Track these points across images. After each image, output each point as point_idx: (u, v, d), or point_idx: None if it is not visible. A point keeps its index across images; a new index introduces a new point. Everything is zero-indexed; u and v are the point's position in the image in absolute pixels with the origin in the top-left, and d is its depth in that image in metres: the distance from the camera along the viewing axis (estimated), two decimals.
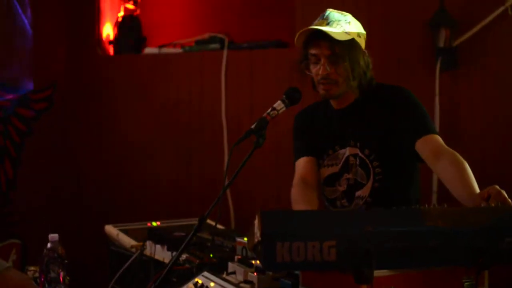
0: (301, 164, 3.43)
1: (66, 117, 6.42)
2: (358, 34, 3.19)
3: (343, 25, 3.17)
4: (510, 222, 2.22)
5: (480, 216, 2.22)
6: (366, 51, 3.23)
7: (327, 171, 3.37)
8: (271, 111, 2.97)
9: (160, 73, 6.07)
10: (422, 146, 3.09)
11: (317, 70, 3.19)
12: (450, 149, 3.03)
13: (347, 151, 3.29)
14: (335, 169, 3.34)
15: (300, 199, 3.24)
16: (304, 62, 3.24)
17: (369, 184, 3.23)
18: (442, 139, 3.13)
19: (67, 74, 6.42)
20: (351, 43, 3.15)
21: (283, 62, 5.37)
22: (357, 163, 3.25)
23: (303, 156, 3.43)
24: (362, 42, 3.21)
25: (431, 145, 3.08)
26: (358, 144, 3.25)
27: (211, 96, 5.80)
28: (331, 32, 3.10)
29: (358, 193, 3.25)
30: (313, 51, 3.19)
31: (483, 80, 4.82)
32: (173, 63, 6.02)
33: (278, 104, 3.02)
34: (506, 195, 2.45)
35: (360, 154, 3.24)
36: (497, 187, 2.48)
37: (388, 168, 3.22)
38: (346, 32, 3.14)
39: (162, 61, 6.08)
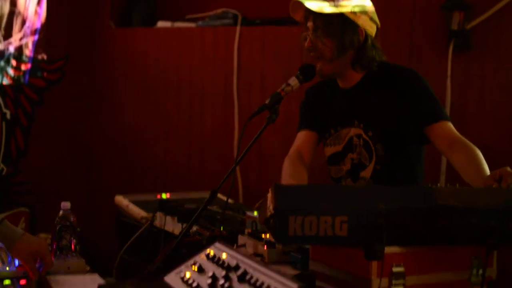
0: (301, 136, 3.47)
1: (78, 88, 6.44)
2: (353, 11, 3.14)
3: (337, 1, 3.16)
4: None
5: (491, 196, 2.24)
6: (364, 29, 3.17)
7: (330, 150, 3.40)
8: (285, 86, 2.99)
9: (173, 47, 6.08)
10: (434, 133, 3.10)
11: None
12: (463, 137, 3.04)
13: (350, 131, 3.30)
14: (338, 148, 3.36)
15: (290, 174, 3.28)
16: (303, 35, 3.26)
17: (371, 166, 3.25)
18: (452, 121, 3.13)
19: (80, 45, 6.43)
20: (336, 18, 3.13)
21: (295, 39, 5.35)
22: (361, 143, 3.27)
23: (305, 128, 3.47)
24: (360, 20, 3.15)
25: (444, 133, 3.08)
26: (362, 125, 3.26)
27: (223, 72, 5.81)
28: (309, 5, 3.12)
29: (362, 174, 3.27)
30: (306, 24, 3.23)
31: (496, 63, 4.81)
32: (186, 38, 6.01)
33: (292, 80, 3.03)
34: None
35: (363, 135, 3.25)
36: (509, 168, 2.49)
37: (391, 151, 3.23)
38: (335, 6, 3.13)
39: (175, 35, 6.08)
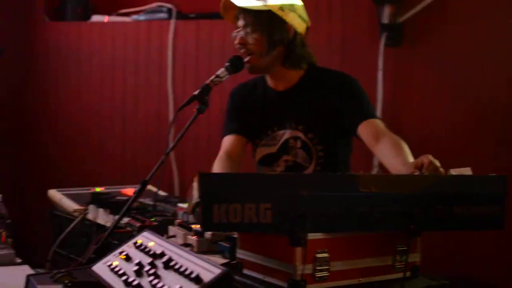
0: (228, 141, 3.47)
1: (13, 83, 6.38)
2: (281, 8, 3.20)
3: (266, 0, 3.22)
4: (441, 190, 2.29)
5: (412, 183, 2.29)
6: (293, 26, 3.24)
7: (263, 151, 3.45)
8: (214, 78, 3.03)
9: (107, 41, 6.06)
10: (364, 129, 3.16)
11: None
12: (390, 132, 3.11)
13: (286, 133, 3.36)
14: (273, 149, 3.41)
15: (222, 168, 3.29)
16: (233, 35, 3.30)
17: (312, 167, 3.32)
18: (384, 114, 3.20)
19: (14, 40, 6.37)
20: (266, 14, 3.19)
21: (228, 33, 5.38)
22: (298, 145, 3.33)
23: (232, 134, 3.48)
24: (288, 17, 3.21)
25: (372, 129, 3.15)
26: (300, 127, 3.33)
27: (158, 66, 5.82)
28: (238, 2, 3.19)
29: None
30: (237, 23, 3.28)
31: (426, 57, 4.90)
32: (121, 32, 6.01)
33: (222, 72, 3.08)
34: (438, 164, 2.52)
35: (303, 137, 3.32)
36: (430, 156, 2.55)
37: (330, 152, 3.31)
38: (264, 4, 3.19)
39: (110, 29, 6.06)
